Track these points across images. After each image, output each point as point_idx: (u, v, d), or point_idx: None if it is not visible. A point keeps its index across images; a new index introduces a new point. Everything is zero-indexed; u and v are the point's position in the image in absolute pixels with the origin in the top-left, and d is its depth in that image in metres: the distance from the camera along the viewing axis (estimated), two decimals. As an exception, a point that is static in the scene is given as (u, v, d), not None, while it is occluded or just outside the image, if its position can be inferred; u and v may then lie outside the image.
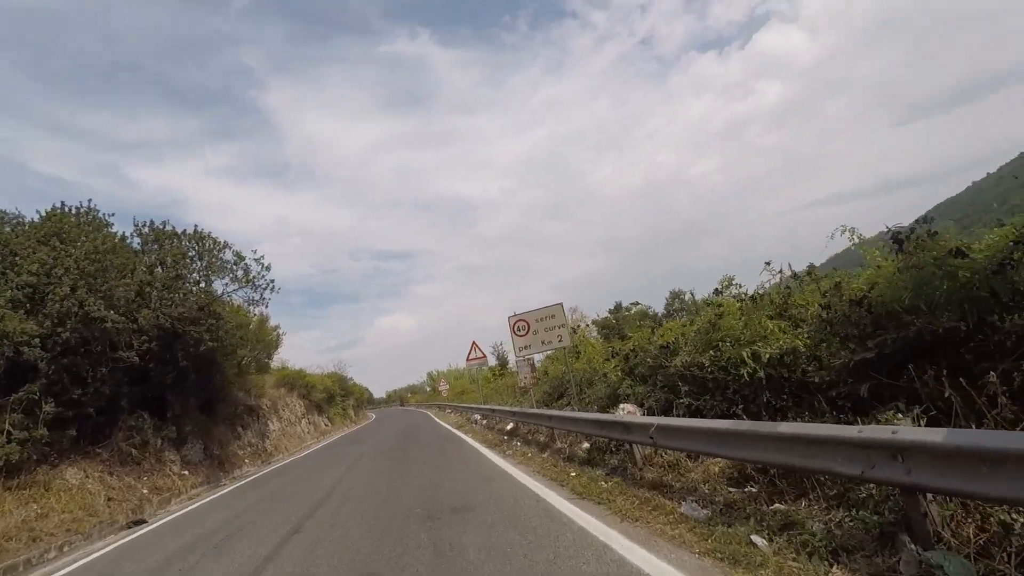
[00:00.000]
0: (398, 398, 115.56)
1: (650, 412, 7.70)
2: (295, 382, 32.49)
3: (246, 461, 18.24)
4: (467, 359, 20.62)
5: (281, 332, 20.34)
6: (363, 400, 72.11)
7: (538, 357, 15.12)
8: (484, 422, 19.27)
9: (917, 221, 5.32)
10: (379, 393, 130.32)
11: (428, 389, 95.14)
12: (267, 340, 19.54)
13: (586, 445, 8.92)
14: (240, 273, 15.72)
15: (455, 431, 19.46)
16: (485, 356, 20.65)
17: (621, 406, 7.98)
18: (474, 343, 20.55)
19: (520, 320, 11.61)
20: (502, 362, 45.58)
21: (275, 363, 33.62)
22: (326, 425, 39.67)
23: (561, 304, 11.40)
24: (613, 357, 10.79)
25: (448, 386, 45.42)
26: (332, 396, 42.10)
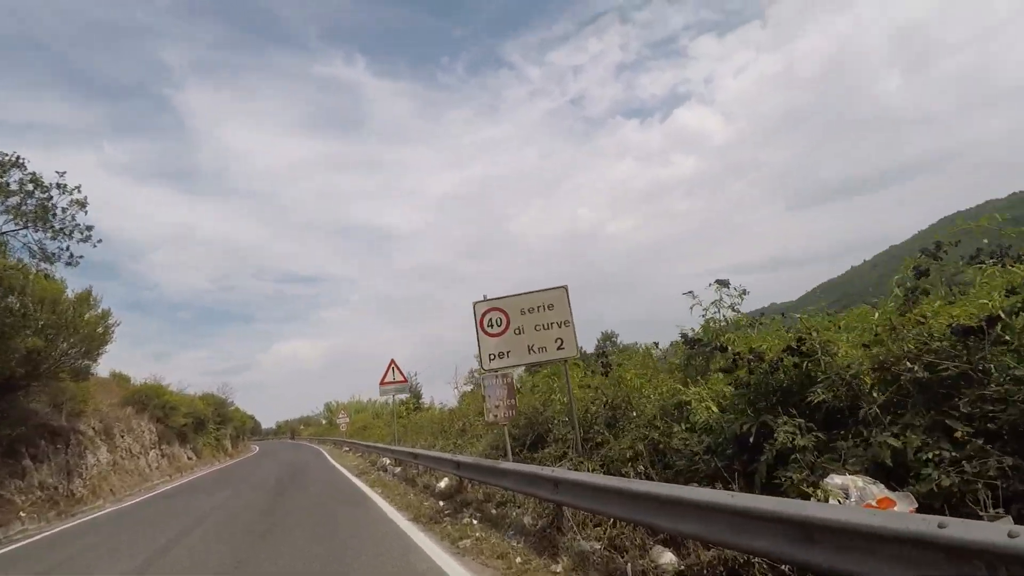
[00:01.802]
0: (289, 429, 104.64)
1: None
2: (148, 400, 25.36)
3: (22, 514, 11.84)
4: (382, 382, 15.43)
5: (113, 323, 14.29)
6: (245, 429, 62.88)
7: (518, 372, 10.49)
8: (399, 470, 14.06)
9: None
10: (269, 423, 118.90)
11: (324, 422, 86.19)
12: (86, 330, 13.40)
13: (666, 557, 4.17)
14: (31, 205, 9.91)
15: (356, 481, 14.07)
16: (405, 379, 15.54)
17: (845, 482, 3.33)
18: (392, 362, 15.48)
19: (493, 309, 6.91)
20: (415, 395, 39.93)
21: (103, 369, 26.52)
22: (189, 458, 32.10)
23: (565, 288, 6.87)
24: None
25: (348, 419, 38.96)
26: (202, 422, 34.54)
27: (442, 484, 9.72)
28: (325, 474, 17.29)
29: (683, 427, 5.47)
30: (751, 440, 4.38)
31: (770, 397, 4.72)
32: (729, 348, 5.50)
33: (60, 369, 13.44)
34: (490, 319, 6.84)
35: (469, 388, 47.24)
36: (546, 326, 6.73)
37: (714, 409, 5.28)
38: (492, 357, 6.87)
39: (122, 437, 21.14)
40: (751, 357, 4.99)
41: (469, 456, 9.04)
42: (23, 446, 13.17)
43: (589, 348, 41.82)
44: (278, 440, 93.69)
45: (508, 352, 6.80)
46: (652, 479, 5.19)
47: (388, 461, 16.81)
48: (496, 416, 7.13)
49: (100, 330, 13.80)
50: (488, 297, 7.02)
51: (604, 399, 7.14)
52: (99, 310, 13.83)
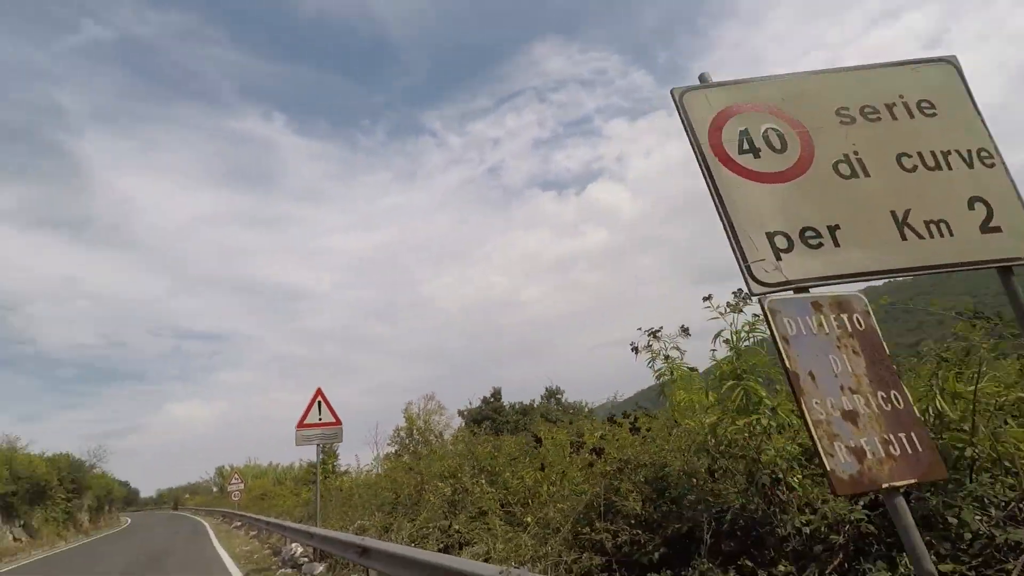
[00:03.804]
0: (172, 499, 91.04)
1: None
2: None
3: None
4: (300, 423, 10.06)
5: None
6: (113, 499, 52.07)
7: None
8: (320, 570, 8.65)
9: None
10: (150, 491, 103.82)
11: (215, 489, 75.04)
12: None
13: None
14: None
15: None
16: (338, 421, 10.27)
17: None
18: (319, 394, 10.17)
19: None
20: (329, 455, 33.38)
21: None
22: (17, 540, 23.93)
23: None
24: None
25: (243, 485, 31.68)
26: (42, 490, 26.37)
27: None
28: (196, 573, 11.39)
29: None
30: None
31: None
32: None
33: None
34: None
35: (393, 449, 40.73)
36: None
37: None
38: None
39: None
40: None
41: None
42: None
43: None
44: (158, 511, 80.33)
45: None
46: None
47: (299, 550, 11.20)
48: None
49: None
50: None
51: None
52: None
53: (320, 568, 8.74)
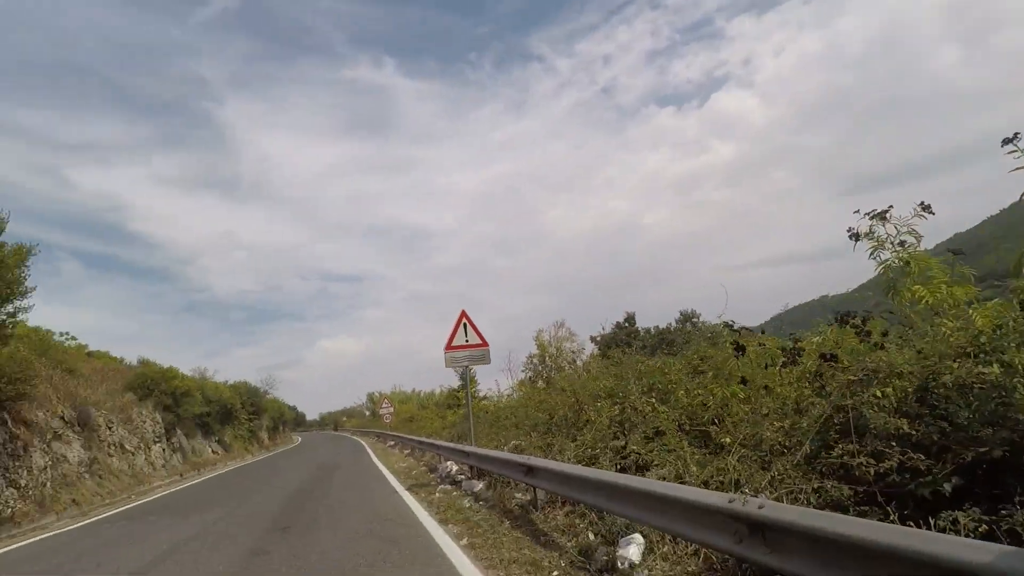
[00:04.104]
0: (332, 421, 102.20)
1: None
2: (154, 386, 20.78)
3: None
4: (448, 346, 9.98)
5: (30, 253, 9.28)
6: (285, 420, 59.20)
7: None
8: (480, 487, 8.61)
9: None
10: (313, 415, 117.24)
11: (368, 413, 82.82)
12: None
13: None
14: None
15: (414, 506, 8.85)
16: (485, 342, 10.03)
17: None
18: (464, 316, 10.01)
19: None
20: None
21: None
22: (215, 452, 27.73)
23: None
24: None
25: (392, 409, 34.10)
26: (229, 412, 30.15)
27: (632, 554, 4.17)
28: (364, 488, 12.05)
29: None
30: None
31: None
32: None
33: None
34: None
35: (527, 375, 41.35)
36: None
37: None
38: None
39: (109, 429, 16.48)
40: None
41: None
42: None
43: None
44: (321, 432, 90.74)
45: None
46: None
47: (455, 468, 11.45)
48: None
49: (14, 267, 8.80)
50: None
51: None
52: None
53: (480, 485, 8.72)
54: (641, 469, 5.54)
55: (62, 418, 14.01)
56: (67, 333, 24.80)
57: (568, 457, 6.72)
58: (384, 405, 34.10)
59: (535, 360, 43.00)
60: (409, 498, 9.29)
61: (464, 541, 5.87)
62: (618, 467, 5.73)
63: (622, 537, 4.47)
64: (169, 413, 21.01)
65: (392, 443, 26.82)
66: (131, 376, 21.33)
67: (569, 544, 5.16)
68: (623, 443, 5.91)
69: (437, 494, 9.21)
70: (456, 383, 37.16)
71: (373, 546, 6.02)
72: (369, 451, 24.44)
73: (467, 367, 10.14)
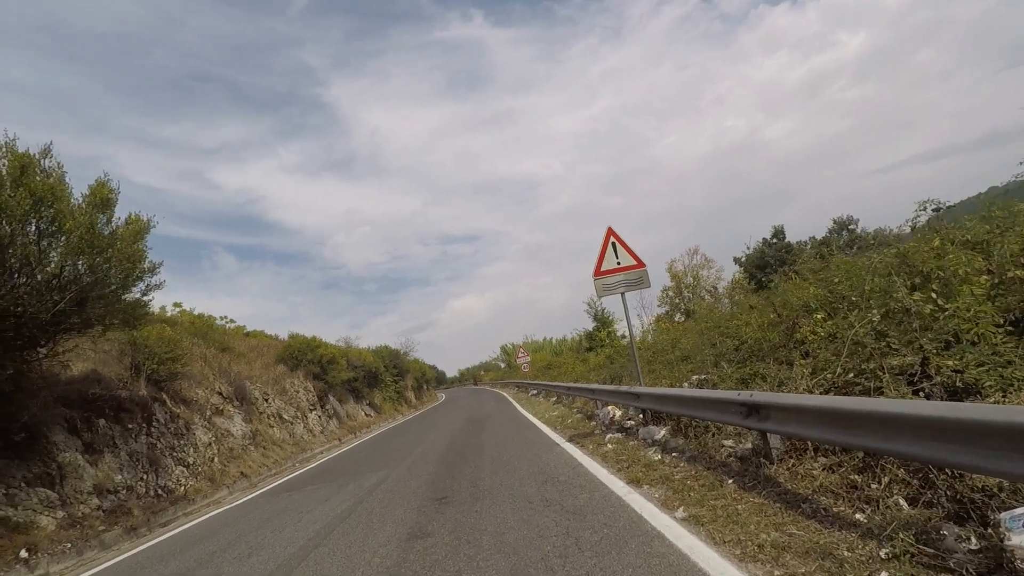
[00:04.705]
0: (471, 376, 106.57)
1: None
2: (301, 356, 21.37)
3: (23, 554, 6.81)
4: (597, 271, 8.27)
5: (150, 224, 8.81)
6: (428, 379, 61.65)
7: None
8: (661, 434, 6.93)
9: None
10: (452, 372, 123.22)
11: (503, 365, 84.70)
12: (119, 246, 7.80)
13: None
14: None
15: (583, 458, 7.46)
16: (640, 262, 8.16)
17: None
18: (611, 234, 8.22)
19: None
20: (604, 323, 33.14)
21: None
22: (368, 415, 28.77)
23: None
24: None
25: (529, 358, 33.46)
26: (375, 376, 31.09)
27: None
28: (521, 441, 10.94)
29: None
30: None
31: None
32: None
33: (102, 301, 8.26)
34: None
35: (663, 310, 38.62)
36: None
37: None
38: None
39: (266, 401, 16.94)
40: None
41: None
42: (58, 431, 8.32)
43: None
44: (462, 387, 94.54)
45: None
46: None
47: (618, 413, 9.90)
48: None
49: (133, 242, 8.38)
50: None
51: None
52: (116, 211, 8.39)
53: (661, 432, 7.05)
54: (956, 395, 3.52)
55: (220, 394, 14.36)
56: (226, 317, 26.56)
57: (805, 388, 4.80)
58: (520, 354, 33.54)
59: (670, 293, 40.17)
60: (576, 451, 7.88)
61: (681, 512, 4.25)
62: (921, 393, 3.73)
63: (1005, 512, 2.56)
64: (319, 381, 21.59)
65: (534, 392, 26.05)
66: (280, 348, 22.14)
67: (861, 517, 3.33)
68: (916, 360, 3.86)
69: (608, 445, 7.70)
70: (591, 325, 35.68)
71: (554, 522, 4.60)
72: (512, 401, 23.80)
73: (623, 293, 8.36)
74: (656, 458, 6.24)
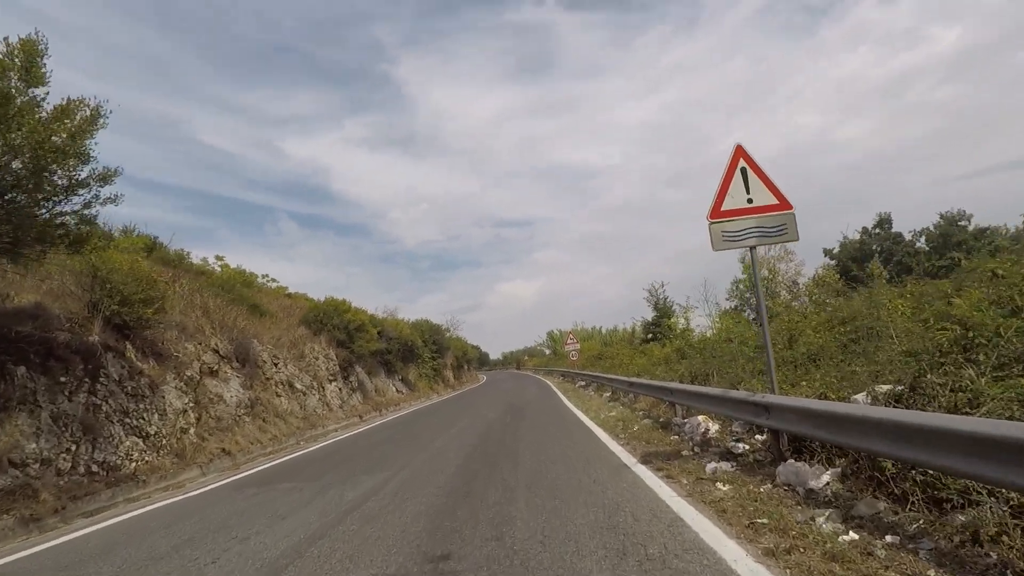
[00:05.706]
0: (514, 360, 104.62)
1: None
2: (326, 320, 19.18)
3: None
4: (715, 212, 5.32)
5: (99, 113, 6.53)
6: (469, 359, 59.51)
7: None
8: (868, 507, 3.99)
9: None
10: (496, 354, 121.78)
11: (547, 352, 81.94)
12: (41, 133, 5.46)
13: None
14: None
15: (685, 514, 4.41)
16: (788, 204, 5.13)
17: None
18: (741, 153, 5.30)
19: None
20: (665, 313, 29.81)
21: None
22: (398, 392, 26.59)
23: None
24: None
25: (578, 346, 30.53)
26: (411, 350, 28.86)
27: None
28: (571, 453, 8.19)
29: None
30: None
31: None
32: None
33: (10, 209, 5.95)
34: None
35: (732, 305, 34.67)
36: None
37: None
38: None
39: (275, 365, 14.74)
40: None
41: None
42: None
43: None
44: (504, 370, 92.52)
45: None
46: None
47: (712, 428, 6.94)
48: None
49: (63, 132, 5.96)
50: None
51: None
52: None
53: (825, 476, 4.11)
54: None
55: (216, 351, 12.15)
56: (267, 275, 24.84)
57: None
58: (569, 341, 30.64)
59: (740, 286, 36.19)
60: (662, 486, 5.01)
61: None
62: None
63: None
64: (344, 349, 19.38)
65: (583, 383, 23.16)
66: (307, 310, 20.05)
67: None
68: None
69: (720, 485, 4.78)
70: (649, 315, 32.38)
71: None
72: (558, 393, 20.99)
73: (753, 248, 5.37)
74: (828, 529, 3.30)
